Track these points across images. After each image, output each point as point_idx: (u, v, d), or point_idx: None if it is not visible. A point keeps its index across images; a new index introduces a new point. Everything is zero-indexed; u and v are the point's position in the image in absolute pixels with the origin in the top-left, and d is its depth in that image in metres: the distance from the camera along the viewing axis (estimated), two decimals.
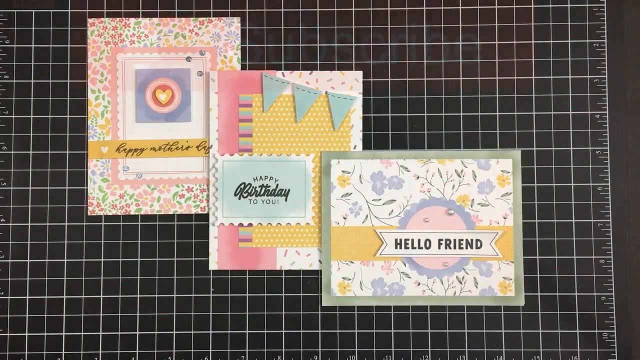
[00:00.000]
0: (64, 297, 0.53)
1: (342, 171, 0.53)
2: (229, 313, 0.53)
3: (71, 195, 0.53)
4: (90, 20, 0.54)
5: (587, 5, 0.54)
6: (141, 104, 0.54)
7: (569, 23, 0.54)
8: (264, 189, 0.53)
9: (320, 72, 0.53)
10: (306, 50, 0.54)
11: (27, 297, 0.53)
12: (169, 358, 0.52)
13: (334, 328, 0.52)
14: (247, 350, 0.52)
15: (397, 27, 0.54)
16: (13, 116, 0.54)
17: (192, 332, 0.52)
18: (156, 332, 0.52)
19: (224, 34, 0.54)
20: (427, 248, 0.52)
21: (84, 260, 0.53)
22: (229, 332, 0.52)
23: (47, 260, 0.53)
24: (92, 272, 0.53)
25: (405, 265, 0.52)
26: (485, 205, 0.53)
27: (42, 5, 0.54)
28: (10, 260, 0.53)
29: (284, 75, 0.53)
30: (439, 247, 0.52)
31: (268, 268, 0.53)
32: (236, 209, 0.53)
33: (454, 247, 0.52)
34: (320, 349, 0.52)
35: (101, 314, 0.53)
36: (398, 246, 0.52)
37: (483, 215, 0.52)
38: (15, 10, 0.54)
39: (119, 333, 0.52)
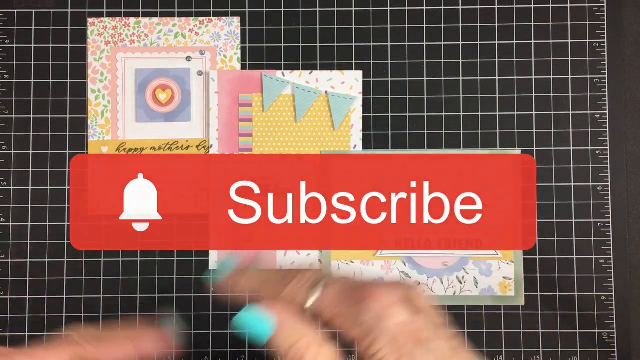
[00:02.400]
0: (64, 297, 0.53)
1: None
2: (228, 313, 0.53)
3: (71, 195, 0.53)
4: (90, 20, 0.54)
5: (587, 5, 0.54)
6: (141, 104, 0.54)
7: (569, 23, 0.54)
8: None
9: (320, 72, 0.53)
10: (306, 50, 0.54)
11: (27, 297, 0.53)
12: (169, 358, 0.52)
13: (334, 328, 0.52)
14: (247, 350, 0.52)
15: (397, 27, 0.54)
16: (13, 116, 0.54)
17: (192, 332, 0.52)
18: None
19: (224, 33, 0.54)
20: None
21: (84, 260, 0.53)
22: (228, 332, 0.52)
23: (47, 260, 0.53)
24: (92, 272, 0.53)
25: (405, 265, 0.52)
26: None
27: (42, 5, 0.54)
28: (10, 260, 0.53)
29: (284, 75, 0.53)
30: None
31: (268, 268, 0.53)
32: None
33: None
34: None
35: (101, 314, 0.53)
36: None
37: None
38: (15, 10, 0.54)
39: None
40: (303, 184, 0.53)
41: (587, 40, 0.54)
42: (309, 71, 0.53)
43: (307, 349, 0.29)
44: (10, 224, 0.53)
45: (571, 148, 0.53)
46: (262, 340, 0.29)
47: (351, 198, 0.53)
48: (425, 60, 0.54)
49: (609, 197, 0.53)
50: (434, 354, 0.28)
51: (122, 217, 0.53)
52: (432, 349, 0.28)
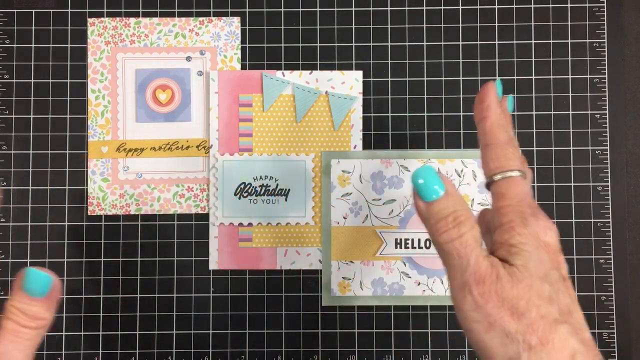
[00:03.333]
0: (64, 297, 0.53)
1: (342, 171, 0.53)
2: (229, 313, 0.53)
3: (71, 195, 0.53)
4: (90, 20, 0.54)
5: (587, 5, 0.54)
6: (141, 104, 0.54)
7: (569, 23, 0.54)
8: (264, 188, 0.53)
9: (320, 72, 0.53)
10: (306, 50, 0.54)
11: None
12: (169, 358, 0.52)
13: (334, 328, 0.52)
14: (247, 350, 0.52)
15: (397, 27, 0.54)
16: (13, 116, 0.54)
17: (192, 332, 0.52)
18: (156, 332, 0.52)
19: (224, 33, 0.54)
20: (427, 248, 0.52)
21: (84, 260, 0.53)
22: (229, 332, 0.52)
23: (47, 260, 0.53)
24: (92, 272, 0.53)
25: (405, 265, 0.52)
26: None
27: (42, 5, 0.54)
28: (10, 260, 0.53)
29: (284, 75, 0.53)
30: None
31: (268, 268, 0.53)
32: (236, 209, 0.53)
33: None
34: (320, 349, 0.52)
35: (101, 314, 0.53)
36: (398, 246, 0.52)
37: None
38: (15, 10, 0.54)
39: (119, 333, 0.52)
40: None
41: (587, 40, 0.54)
42: (309, 71, 0.53)
43: (465, 219, 0.30)
44: (10, 224, 0.53)
45: (571, 148, 0.53)
46: (430, 196, 0.31)
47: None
48: (425, 60, 0.54)
49: (609, 197, 0.53)
50: (567, 293, 0.29)
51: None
52: (566, 291, 0.29)
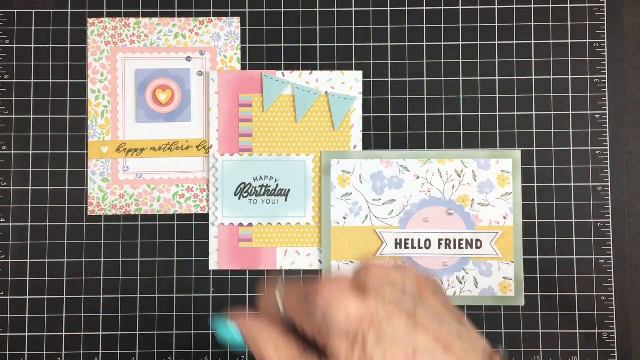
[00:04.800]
0: (64, 297, 0.53)
1: (342, 171, 0.53)
2: (229, 313, 0.53)
3: (71, 195, 0.53)
4: (90, 20, 0.54)
5: (587, 5, 0.54)
6: (141, 104, 0.54)
7: (569, 23, 0.54)
8: (264, 189, 0.53)
9: (320, 72, 0.53)
10: (306, 50, 0.54)
11: (27, 297, 0.53)
12: (169, 358, 0.52)
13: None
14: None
15: (397, 27, 0.54)
16: (13, 116, 0.54)
17: (192, 332, 0.52)
18: (156, 332, 0.52)
19: (224, 34, 0.54)
20: (427, 248, 0.52)
21: (84, 260, 0.53)
22: None
23: (47, 260, 0.53)
24: (92, 272, 0.53)
25: (405, 265, 0.52)
26: (485, 205, 0.53)
27: (42, 5, 0.54)
28: (10, 260, 0.53)
29: (284, 75, 0.53)
30: (439, 247, 0.52)
31: (268, 268, 0.53)
32: (236, 209, 0.53)
33: (454, 247, 0.52)
34: None
35: (101, 314, 0.53)
36: (398, 246, 0.52)
37: (483, 215, 0.52)
38: (15, 10, 0.54)
39: (119, 333, 0.52)
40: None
41: (587, 40, 0.54)
42: (309, 71, 0.53)
43: (265, 345, 0.29)
44: (10, 224, 0.53)
45: (571, 148, 0.53)
46: (242, 347, 0.30)
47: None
48: (425, 61, 0.54)
49: (609, 197, 0.53)
50: (392, 334, 0.24)
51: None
52: (388, 332, 0.24)
